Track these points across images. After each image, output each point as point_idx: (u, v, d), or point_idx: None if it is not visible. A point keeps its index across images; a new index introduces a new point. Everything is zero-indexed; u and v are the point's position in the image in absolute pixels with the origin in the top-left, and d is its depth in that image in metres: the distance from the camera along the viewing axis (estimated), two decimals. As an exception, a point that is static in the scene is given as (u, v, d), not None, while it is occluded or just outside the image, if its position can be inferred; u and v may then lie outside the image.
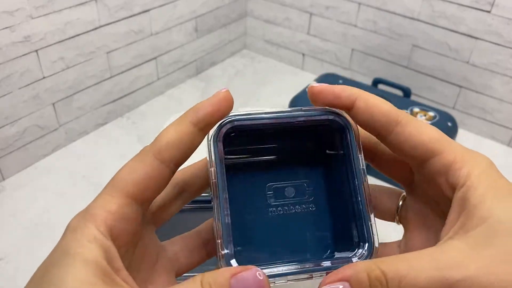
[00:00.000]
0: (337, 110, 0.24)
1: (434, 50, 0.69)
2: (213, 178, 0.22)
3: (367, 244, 0.23)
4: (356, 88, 0.24)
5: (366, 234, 0.23)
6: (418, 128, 0.23)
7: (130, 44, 0.66)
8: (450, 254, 0.22)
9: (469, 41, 0.65)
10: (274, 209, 0.25)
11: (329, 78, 0.70)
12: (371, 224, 0.23)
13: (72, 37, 0.58)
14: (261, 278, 0.20)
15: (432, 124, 0.59)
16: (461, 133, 0.69)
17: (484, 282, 0.21)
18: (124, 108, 0.70)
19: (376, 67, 0.76)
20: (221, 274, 0.20)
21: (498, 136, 0.69)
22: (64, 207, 0.54)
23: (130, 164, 0.22)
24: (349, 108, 0.24)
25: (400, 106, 0.62)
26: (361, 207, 0.24)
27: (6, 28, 0.51)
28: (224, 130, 0.23)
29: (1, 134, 0.55)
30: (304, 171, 0.26)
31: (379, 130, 0.24)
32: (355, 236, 0.24)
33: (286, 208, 0.25)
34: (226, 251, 0.21)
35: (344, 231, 0.25)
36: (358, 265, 0.21)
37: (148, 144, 0.22)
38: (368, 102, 0.24)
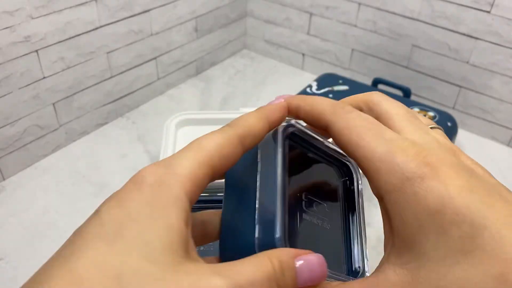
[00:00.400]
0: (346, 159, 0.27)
1: (434, 50, 0.69)
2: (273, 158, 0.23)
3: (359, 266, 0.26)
4: (298, 96, 0.24)
5: (360, 257, 0.26)
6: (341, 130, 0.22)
7: (130, 44, 0.66)
8: (386, 280, 0.21)
9: (469, 41, 0.65)
10: (305, 214, 0.25)
11: (329, 78, 0.70)
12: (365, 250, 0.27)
13: (72, 37, 0.58)
14: (324, 264, 0.19)
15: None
16: (461, 133, 0.69)
17: None
18: (124, 108, 0.70)
19: (376, 67, 0.76)
20: (286, 253, 0.18)
21: (498, 136, 0.69)
22: (64, 207, 0.54)
23: (216, 138, 0.21)
24: (298, 118, 0.24)
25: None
26: (359, 235, 0.27)
27: (6, 28, 0.51)
28: (290, 130, 0.24)
29: (1, 134, 0.55)
30: (326, 192, 0.28)
31: (322, 129, 0.24)
32: (347, 258, 0.26)
33: (312, 218, 0.25)
34: (278, 234, 0.20)
35: (340, 253, 0.26)
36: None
37: (228, 125, 0.22)
38: (306, 107, 0.24)
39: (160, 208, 0.18)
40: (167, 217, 0.17)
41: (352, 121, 0.22)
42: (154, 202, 0.18)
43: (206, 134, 0.21)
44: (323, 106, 0.23)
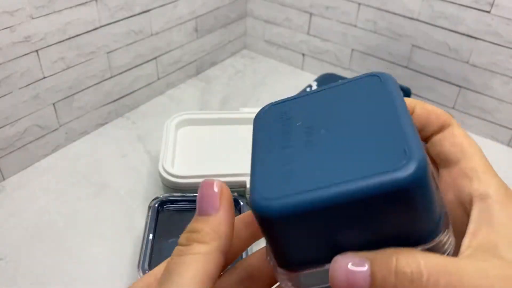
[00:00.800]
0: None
1: (434, 50, 0.69)
2: None
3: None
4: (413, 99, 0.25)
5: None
6: (459, 131, 0.24)
7: (130, 44, 0.66)
8: (473, 263, 0.20)
9: (469, 41, 0.65)
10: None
11: (329, 79, 0.70)
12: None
13: (73, 37, 0.58)
14: None
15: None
16: (461, 133, 0.69)
17: None
18: (124, 108, 0.71)
19: (376, 67, 0.76)
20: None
21: (498, 136, 0.69)
22: (64, 207, 0.54)
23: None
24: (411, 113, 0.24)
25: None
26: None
27: (7, 28, 0.51)
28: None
29: (1, 134, 0.55)
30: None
31: (432, 130, 0.24)
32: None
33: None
34: None
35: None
36: (377, 257, 0.20)
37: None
38: (425, 107, 0.24)
39: None
40: None
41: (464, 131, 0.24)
42: None
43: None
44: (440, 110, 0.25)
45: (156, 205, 0.46)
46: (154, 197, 0.47)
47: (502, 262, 0.20)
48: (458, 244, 0.22)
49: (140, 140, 0.66)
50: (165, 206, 0.47)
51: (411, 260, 0.19)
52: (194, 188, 0.48)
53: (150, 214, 0.45)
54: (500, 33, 0.62)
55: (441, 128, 0.24)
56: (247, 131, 0.56)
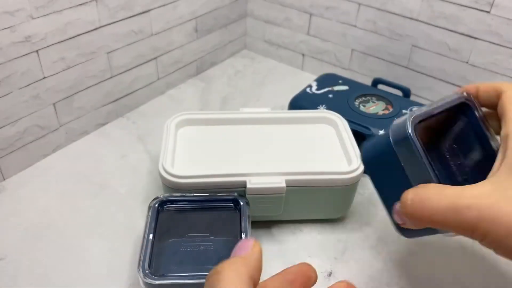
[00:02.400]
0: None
1: (433, 50, 0.69)
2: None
3: None
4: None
5: None
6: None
7: (130, 44, 0.66)
8: (474, 189, 0.29)
9: (469, 41, 0.65)
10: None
11: (329, 78, 0.70)
12: None
13: (73, 37, 0.58)
14: None
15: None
16: (460, 133, 0.69)
17: (491, 212, 0.27)
18: (125, 108, 0.71)
19: (376, 67, 0.76)
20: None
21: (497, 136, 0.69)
22: (64, 207, 0.54)
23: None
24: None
25: (401, 106, 0.62)
26: None
27: (7, 28, 0.51)
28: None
29: (1, 134, 0.55)
30: None
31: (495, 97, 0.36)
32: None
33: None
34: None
35: None
36: (408, 192, 0.32)
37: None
38: (483, 85, 0.38)
39: None
40: None
41: None
42: None
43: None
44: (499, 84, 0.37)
45: (156, 205, 0.46)
46: (154, 197, 0.47)
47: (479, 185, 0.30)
48: None
49: (140, 140, 0.66)
50: (165, 206, 0.47)
51: (409, 191, 0.32)
52: (194, 188, 0.48)
53: (150, 214, 0.45)
54: (500, 33, 0.62)
55: (499, 95, 0.35)
56: (247, 131, 0.56)
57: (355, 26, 0.75)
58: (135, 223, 0.52)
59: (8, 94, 0.54)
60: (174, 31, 0.73)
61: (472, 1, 0.62)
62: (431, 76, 0.71)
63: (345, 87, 0.66)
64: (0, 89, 0.53)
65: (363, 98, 0.64)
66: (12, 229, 0.51)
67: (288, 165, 0.50)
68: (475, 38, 0.64)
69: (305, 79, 0.82)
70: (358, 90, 0.65)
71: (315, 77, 0.82)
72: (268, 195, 0.48)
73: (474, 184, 0.29)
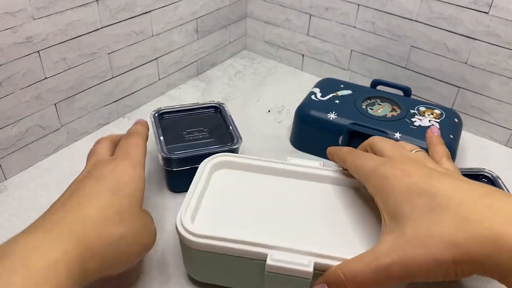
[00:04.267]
0: None
1: (432, 51, 0.69)
2: None
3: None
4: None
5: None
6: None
7: (131, 45, 0.67)
8: (382, 246, 0.33)
9: (467, 42, 0.65)
10: None
11: (330, 84, 0.69)
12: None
13: (74, 38, 0.58)
14: None
15: (440, 121, 0.61)
16: (459, 133, 0.70)
17: (405, 262, 0.31)
18: (126, 109, 0.71)
19: (375, 68, 0.76)
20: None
21: (497, 136, 0.69)
22: (65, 206, 0.55)
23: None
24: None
25: (406, 106, 0.62)
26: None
27: (8, 29, 0.51)
28: None
29: (3, 134, 0.55)
30: None
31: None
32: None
33: None
34: None
35: None
36: (329, 271, 0.35)
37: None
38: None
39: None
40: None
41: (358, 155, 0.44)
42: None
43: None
44: (343, 151, 0.47)
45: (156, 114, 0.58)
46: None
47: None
48: None
49: (140, 140, 0.66)
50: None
51: (335, 270, 0.35)
52: (208, 250, 0.40)
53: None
54: (498, 34, 0.62)
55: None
56: (290, 186, 0.48)
57: (354, 27, 0.75)
58: (136, 223, 0.53)
59: (9, 94, 0.54)
60: (175, 31, 0.73)
61: (470, 2, 0.63)
62: (430, 77, 0.71)
63: (348, 91, 0.66)
64: (2, 89, 0.53)
65: (368, 101, 0.64)
66: (13, 229, 0.51)
67: (323, 242, 0.41)
68: (474, 38, 0.65)
69: (305, 80, 0.83)
70: (361, 94, 0.65)
71: (315, 77, 0.82)
72: (290, 277, 0.38)
73: (377, 245, 0.34)
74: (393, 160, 0.39)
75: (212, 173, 0.48)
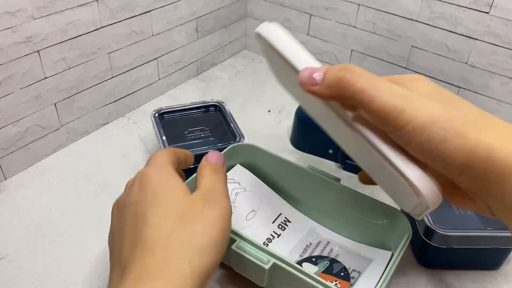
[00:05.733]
0: None
1: (433, 51, 0.69)
2: None
3: None
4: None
5: None
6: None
7: (131, 44, 0.67)
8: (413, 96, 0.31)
9: (468, 42, 0.65)
10: None
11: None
12: None
13: (74, 37, 0.58)
14: None
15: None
16: (460, 133, 0.69)
17: (421, 116, 0.29)
18: (125, 108, 0.71)
19: (375, 68, 0.76)
20: None
21: (497, 137, 0.69)
22: (65, 206, 0.55)
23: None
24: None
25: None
26: None
27: (8, 28, 0.51)
28: None
29: (2, 134, 0.55)
30: None
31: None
32: None
33: None
34: None
35: None
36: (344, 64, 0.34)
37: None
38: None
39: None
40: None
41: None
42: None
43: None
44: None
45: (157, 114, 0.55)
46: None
47: None
48: None
49: (141, 140, 0.66)
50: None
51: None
52: None
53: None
54: (499, 34, 0.62)
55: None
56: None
57: (354, 26, 0.75)
58: (135, 223, 0.52)
59: (9, 94, 0.54)
60: (175, 31, 0.73)
61: (471, 2, 0.63)
62: (430, 77, 0.71)
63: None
64: (2, 89, 0.53)
65: None
66: (13, 228, 0.52)
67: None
68: (474, 38, 0.65)
69: (305, 80, 0.82)
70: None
71: (315, 77, 0.82)
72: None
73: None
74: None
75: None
